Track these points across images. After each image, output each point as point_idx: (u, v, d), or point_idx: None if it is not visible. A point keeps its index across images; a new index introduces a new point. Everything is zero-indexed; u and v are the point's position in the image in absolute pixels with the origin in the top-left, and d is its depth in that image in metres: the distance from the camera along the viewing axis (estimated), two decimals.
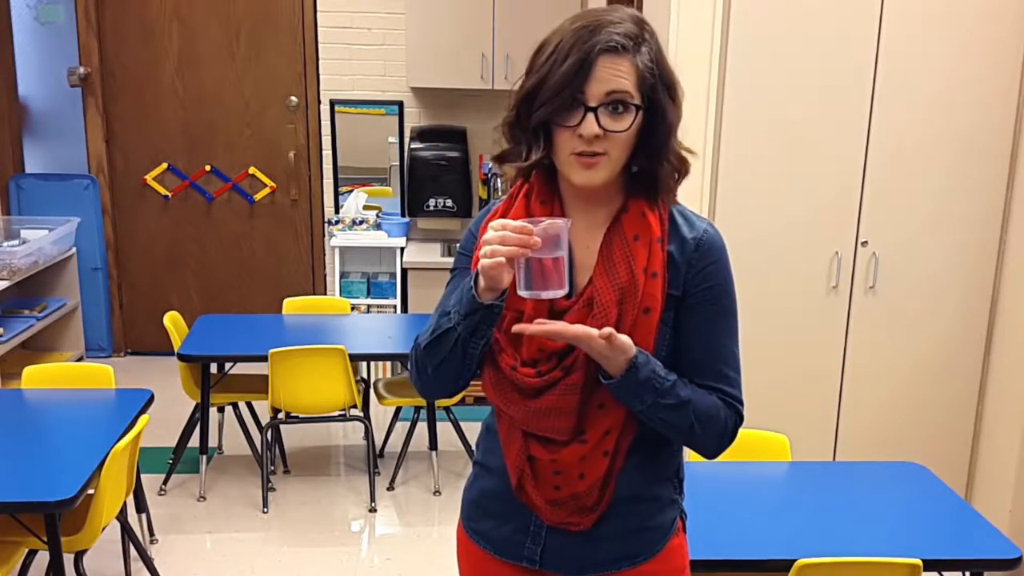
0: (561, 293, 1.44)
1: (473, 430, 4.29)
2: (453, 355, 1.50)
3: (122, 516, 3.07)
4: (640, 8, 3.76)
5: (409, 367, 1.63)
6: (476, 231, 1.59)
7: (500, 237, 1.39)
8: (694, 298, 1.52)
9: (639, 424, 1.53)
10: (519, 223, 1.39)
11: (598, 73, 1.41)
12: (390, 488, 4.10)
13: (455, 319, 1.47)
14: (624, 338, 1.43)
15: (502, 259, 1.38)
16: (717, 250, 1.54)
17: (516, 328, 1.45)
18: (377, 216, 5.23)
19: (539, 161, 1.49)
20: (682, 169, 1.53)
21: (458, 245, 1.66)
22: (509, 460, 1.59)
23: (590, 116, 1.42)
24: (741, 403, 1.57)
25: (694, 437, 1.54)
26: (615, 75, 1.41)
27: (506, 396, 1.54)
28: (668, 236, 1.52)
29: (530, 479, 1.57)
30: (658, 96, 1.45)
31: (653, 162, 1.48)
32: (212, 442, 4.13)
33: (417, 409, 4.22)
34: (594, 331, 1.41)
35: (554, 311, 1.50)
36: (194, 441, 3.97)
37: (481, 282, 1.43)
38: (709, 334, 1.54)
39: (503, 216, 1.55)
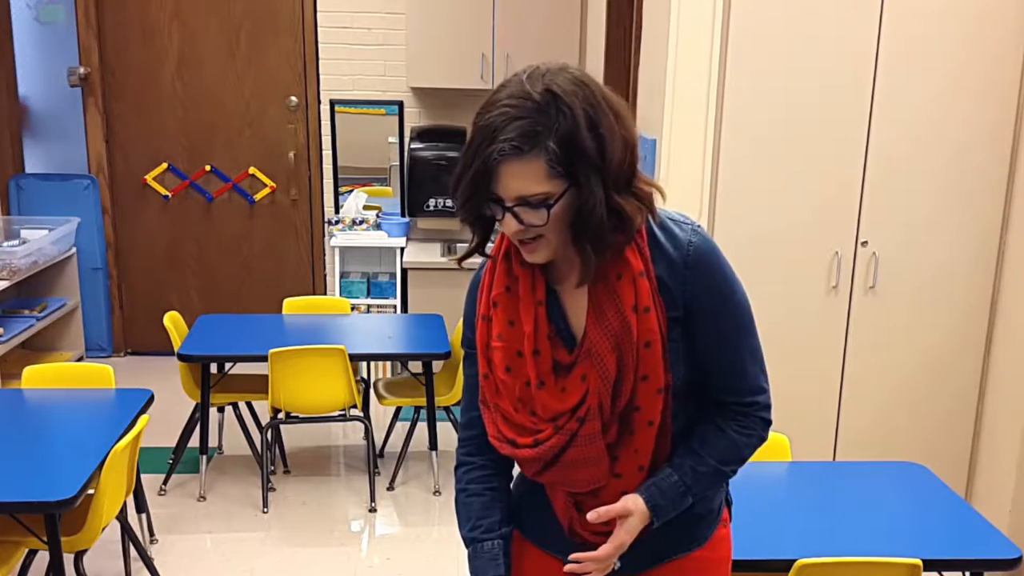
0: None
1: None
2: None
3: (122, 516, 3.07)
4: (640, 9, 3.75)
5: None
6: (475, 301, 1.60)
7: None
8: (699, 314, 1.50)
9: (672, 436, 1.54)
10: None
11: (502, 181, 1.37)
12: (390, 488, 4.10)
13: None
14: (617, 507, 1.49)
15: None
16: (707, 259, 1.50)
17: None
18: (377, 216, 5.23)
19: (477, 249, 1.52)
20: (637, 219, 1.43)
21: (462, 317, 1.67)
22: (557, 509, 1.61)
23: (508, 215, 1.40)
24: (767, 407, 1.57)
25: (735, 473, 1.60)
26: (520, 181, 1.37)
27: (539, 472, 1.56)
28: (653, 259, 1.48)
29: (578, 523, 1.59)
30: (580, 173, 1.37)
31: (592, 235, 1.40)
32: (212, 442, 4.13)
33: (417, 409, 4.22)
34: (609, 545, 1.48)
35: (559, 366, 1.51)
36: (194, 441, 3.97)
37: None
38: (723, 346, 1.53)
39: (491, 279, 1.55)
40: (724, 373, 1.54)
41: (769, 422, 1.58)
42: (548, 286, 1.53)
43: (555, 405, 1.50)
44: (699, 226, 1.54)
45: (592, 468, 1.52)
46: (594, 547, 1.53)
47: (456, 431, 4.19)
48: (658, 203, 1.51)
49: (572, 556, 1.50)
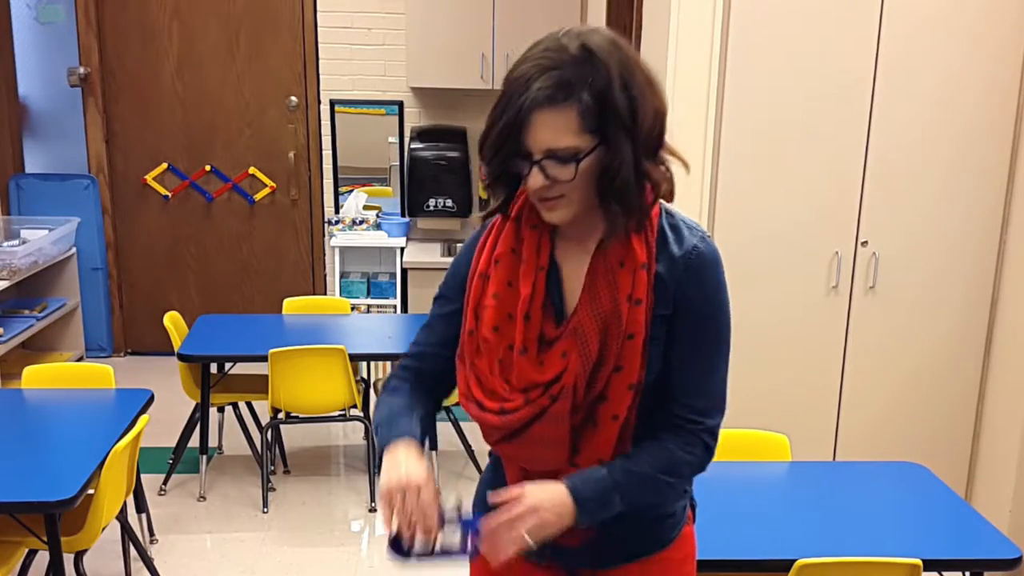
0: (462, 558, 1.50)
1: (472, 430, 4.27)
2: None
3: (122, 516, 3.07)
4: (640, 9, 3.75)
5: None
6: (470, 254, 1.59)
7: (402, 503, 1.51)
8: (682, 319, 1.49)
9: (631, 435, 1.52)
10: (431, 507, 1.48)
11: (533, 131, 1.37)
12: None
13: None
14: (516, 488, 1.44)
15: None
16: (708, 267, 1.49)
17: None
18: (377, 216, 5.23)
19: (501, 208, 1.52)
20: (662, 186, 1.46)
21: (449, 266, 1.64)
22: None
23: (535, 169, 1.40)
24: (711, 433, 1.54)
25: (674, 489, 1.56)
26: (551, 132, 1.36)
27: (499, 441, 1.55)
28: (657, 255, 1.48)
29: None
30: (610, 131, 1.37)
31: (619, 196, 1.41)
32: (212, 442, 4.13)
33: None
34: (520, 504, 1.42)
35: (544, 338, 1.50)
36: (194, 441, 3.97)
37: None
38: (693, 357, 1.51)
39: (496, 238, 1.54)
40: (684, 384, 1.52)
41: (711, 451, 1.54)
42: (551, 255, 1.52)
43: (532, 375, 1.49)
44: (709, 236, 1.54)
45: (553, 448, 1.50)
46: (541, 549, 1.49)
47: (456, 431, 4.22)
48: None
49: (494, 492, 1.46)
